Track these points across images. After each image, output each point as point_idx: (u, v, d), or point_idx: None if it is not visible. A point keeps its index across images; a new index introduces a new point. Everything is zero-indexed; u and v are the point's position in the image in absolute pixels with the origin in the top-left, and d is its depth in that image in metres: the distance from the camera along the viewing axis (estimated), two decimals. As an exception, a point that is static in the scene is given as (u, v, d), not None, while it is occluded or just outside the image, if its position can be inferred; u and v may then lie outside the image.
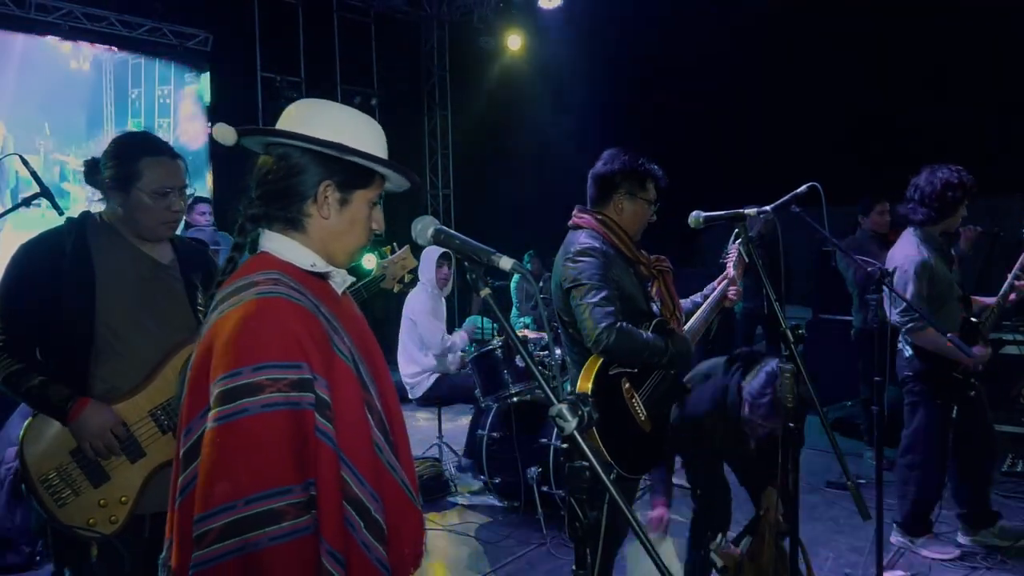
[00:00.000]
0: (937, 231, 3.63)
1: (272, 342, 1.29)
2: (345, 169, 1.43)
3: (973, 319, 3.66)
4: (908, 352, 3.63)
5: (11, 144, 6.58)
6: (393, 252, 3.00)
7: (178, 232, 2.33)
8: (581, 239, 2.70)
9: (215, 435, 1.26)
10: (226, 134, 1.41)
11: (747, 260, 2.91)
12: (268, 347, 1.29)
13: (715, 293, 3.00)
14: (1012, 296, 3.69)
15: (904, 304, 3.43)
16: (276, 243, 1.43)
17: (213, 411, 1.27)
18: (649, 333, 2.64)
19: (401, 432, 1.57)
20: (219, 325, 1.33)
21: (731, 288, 2.98)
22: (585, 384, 2.53)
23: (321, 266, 1.46)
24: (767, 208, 2.71)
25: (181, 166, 2.16)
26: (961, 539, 3.82)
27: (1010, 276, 3.70)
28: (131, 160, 2.08)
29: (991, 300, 3.79)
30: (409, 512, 1.52)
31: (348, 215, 1.46)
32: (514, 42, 9.47)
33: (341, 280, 1.52)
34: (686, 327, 2.87)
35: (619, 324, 2.53)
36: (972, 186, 3.53)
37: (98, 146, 2.15)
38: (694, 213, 3.04)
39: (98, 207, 2.18)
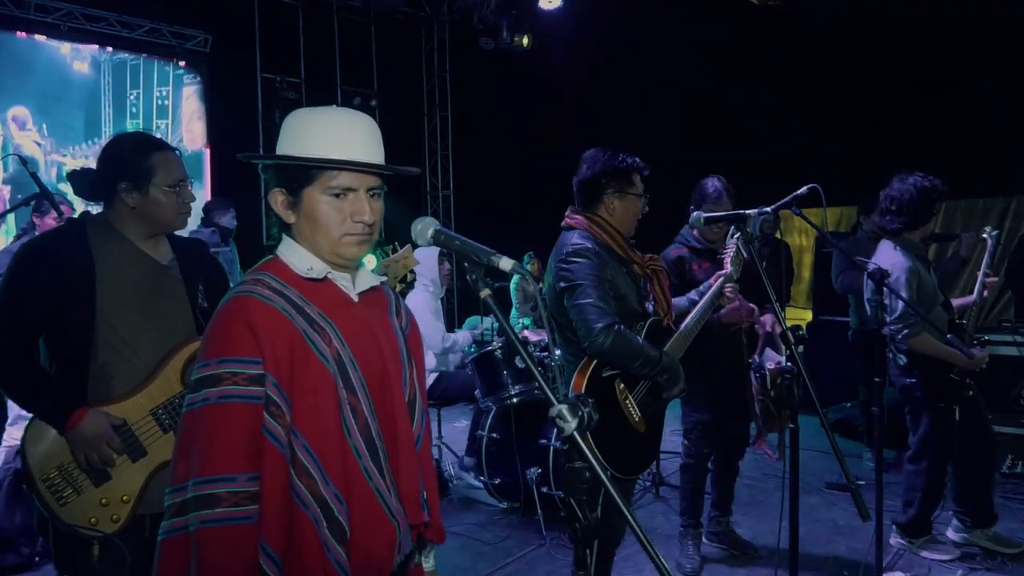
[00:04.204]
0: (916, 237, 3.65)
1: (234, 337, 1.38)
2: (280, 173, 1.48)
3: (959, 321, 3.74)
4: (902, 360, 3.62)
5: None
6: (395, 251, 3.00)
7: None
8: (574, 240, 2.69)
9: (183, 420, 1.40)
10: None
11: (745, 256, 2.90)
12: (230, 341, 1.38)
13: (711, 290, 2.98)
14: (985, 292, 3.85)
15: (897, 312, 3.44)
16: (285, 247, 1.53)
17: (187, 397, 1.41)
18: (645, 341, 2.63)
19: (406, 446, 1.54)
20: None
21: (727, 285, 2.97)
22: (579, 385, 2.53)
23: (318, 271, 1.48)
24: (767, 209, 2.71)
25: (181, 158, 2.22)
26: (952, 535, 3.81)
27: (980, 274, 3.84)
28: (143, 158, 2.10)
29: (966, 300, 3.91)
30: (382, 523, 1.48)
31: (305, 214, 1.47)
32: (524, 42, 9.36)
33: (348, 283, 1.53)
34: (682, 325, 2.87)
35: (616, 327, 2.52)
36: (943, 188, 3.56)
37: (97, 148, 2.15)
38: (695, 214, 3.04)
39: (96, 208, 2.19)
